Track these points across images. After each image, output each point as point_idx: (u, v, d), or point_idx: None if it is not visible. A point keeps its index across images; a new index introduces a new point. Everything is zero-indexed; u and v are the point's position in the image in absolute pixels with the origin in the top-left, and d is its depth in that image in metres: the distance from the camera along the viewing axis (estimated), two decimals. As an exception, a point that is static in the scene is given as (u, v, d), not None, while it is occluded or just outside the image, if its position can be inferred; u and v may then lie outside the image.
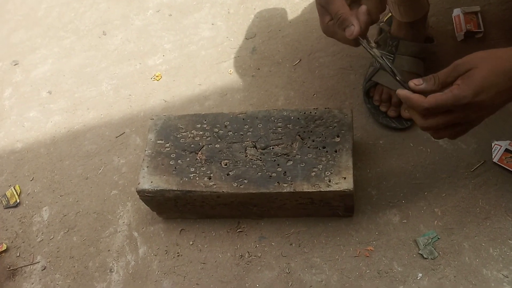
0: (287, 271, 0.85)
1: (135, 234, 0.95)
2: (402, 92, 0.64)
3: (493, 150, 0.88)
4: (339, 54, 1.09)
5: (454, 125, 0.63)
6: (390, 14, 1.03)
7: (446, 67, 0.61)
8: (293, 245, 0.88)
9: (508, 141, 0.88)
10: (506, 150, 0.87)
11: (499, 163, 0.87)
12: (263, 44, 1.16)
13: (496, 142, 0.89)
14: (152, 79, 1.17)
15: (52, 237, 0.99)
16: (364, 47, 0.68)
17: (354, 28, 0.65)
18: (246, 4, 1.24)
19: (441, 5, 1.09)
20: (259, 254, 0.88)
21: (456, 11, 1.06)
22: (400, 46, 0.96)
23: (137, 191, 0.85)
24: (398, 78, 0.67)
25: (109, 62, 1.23)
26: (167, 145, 0.88)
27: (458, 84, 0.59)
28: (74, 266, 0.94)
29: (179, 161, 0.86)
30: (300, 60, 1.11)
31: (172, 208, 0.89)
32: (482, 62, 0.59)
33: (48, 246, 0.98)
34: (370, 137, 0.96)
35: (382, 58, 0.68)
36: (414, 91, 0.63)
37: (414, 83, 0.62)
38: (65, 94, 1.20)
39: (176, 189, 0.83)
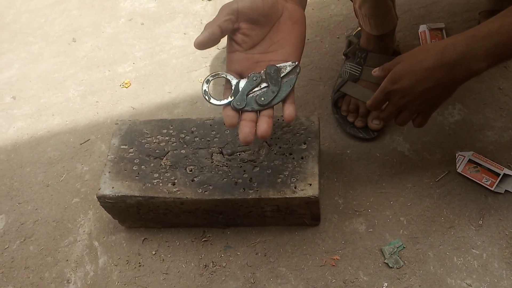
0: (252, 281, 0.83)
1: (96, 243, 0.91)
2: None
3: (457, 161, 0.89)
4: (309, 66, 1.10)
5: (401, 111, 0.77)
6: (359, 28, 1.05)
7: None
8: (259, 254, 0.86)
9: (471, 152, 0.89)
10: (470, 161, 0.89)
11: (463, 173, 0.88)
12: (235, 55, 1.16)
13: (460, 153, 0.90)
14: (121, 86, 1.15)
15: (7, 246, 0.93)
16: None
17: (201, 36, 0.61)
18: (219, 15, 1.25)
19: (408, 21, 1.13)
20: (224, 264, 0.86)
21: (422, 27, 1.09)
22: (369, 58, 0.97)
23: (97, 197, 0.82)
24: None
25: (77, 68, 1.21)
26: (131, 150, 0.86)
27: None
28: (29, 277, 0.89)
29: (142, 166, 0.84)
30: (271, 71, 1.11)
31: (135, 216, 0.86)
32: (408, 57, 0.72)
33: (2, 256, 0.92)
34: (338, 147, 0.96)
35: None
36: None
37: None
38: (30, 100, 1.17)
39: (138, 195, 0.80)
